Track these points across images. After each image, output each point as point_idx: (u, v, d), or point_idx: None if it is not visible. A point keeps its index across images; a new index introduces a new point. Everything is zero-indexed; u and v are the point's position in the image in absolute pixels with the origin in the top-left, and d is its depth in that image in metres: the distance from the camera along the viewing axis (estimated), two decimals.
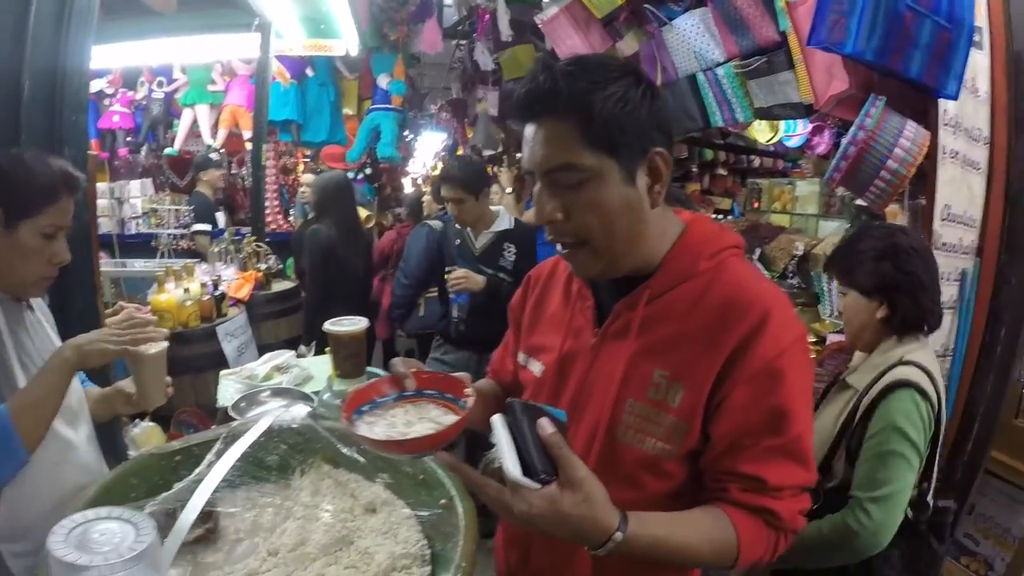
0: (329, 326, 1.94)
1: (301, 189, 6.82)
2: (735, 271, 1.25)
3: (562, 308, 1.44)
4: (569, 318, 1.39)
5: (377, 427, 1.20)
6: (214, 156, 6.75)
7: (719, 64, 3.13)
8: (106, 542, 0.80)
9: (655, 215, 1.23)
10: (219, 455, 1.36)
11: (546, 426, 1.00)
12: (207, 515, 1.48)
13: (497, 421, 1.03)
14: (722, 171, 9.22)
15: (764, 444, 1.15)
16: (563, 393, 1.36)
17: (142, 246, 6.63)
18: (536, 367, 1.46)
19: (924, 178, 2.40)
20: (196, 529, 1.43)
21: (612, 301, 1.30)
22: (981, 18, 2.44)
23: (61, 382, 1.60)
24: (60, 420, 1.73)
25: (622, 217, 1.18)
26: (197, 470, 1.37)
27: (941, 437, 1.93)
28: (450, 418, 1.20)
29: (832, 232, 4.57)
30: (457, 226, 3.79)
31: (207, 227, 6.07)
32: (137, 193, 7.43)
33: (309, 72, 7.29)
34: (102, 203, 6.84)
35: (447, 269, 3.66)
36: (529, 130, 1.20)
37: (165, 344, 1.77)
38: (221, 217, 6.15)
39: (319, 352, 3.32)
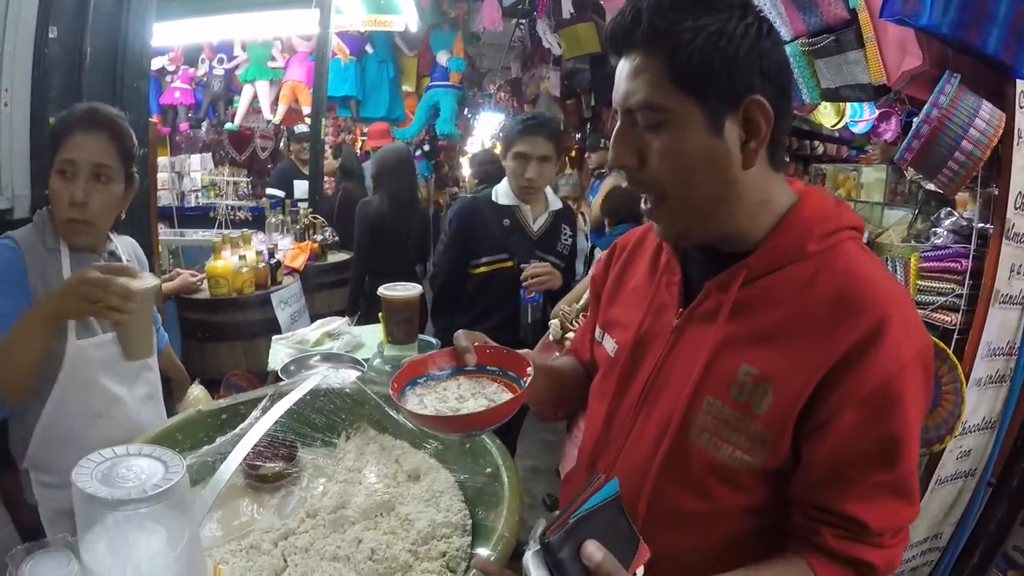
0: (383, 291, 1.93)
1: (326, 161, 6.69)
2: (851, 258, 1.04)
3: (646, 281, 1.27)
4: (653, 293, 1.23)
5: (427, 400, 1.16)
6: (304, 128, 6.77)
7: (786, 42, 3.03)
8: (133, 478, 0.77)
9: (753, 178, 1.06)
10: (264, 412, 1.35)
11: (593, 554, 0.85)
12: (290, 456, 1.51)
13: (532, 564, 0.86)
14: (784, 157, 9.01)
15: (871, 480, 0.99)
16: (635, 378, 1.20)
17: (201, 218, 6.76)
18: (610, 345, 1.30)
19: (997, 164, 2.29)
20: (277, 465, 1.47)
21: (703, 279, 1.13)
22: None
23: (33, 332, 1.55)
24: (108, 374, 1.78)
25: (701, 171, 1.02)
26: (241, 426, 1.36)
27: None
28: (506, 396, 1.14)
29: (898, 220, 4.41)
30: (503, 201, 2.96)
31: (280, 193, 6.14)
32: (197, 167, 7.61)
33: (368, 49, 7.31)
34: (163, 176, 7.00)
35: (491, 259, 2.93)
36: (619, 66, 1.07)
37: (151, 283, 1.63)
38: (300, 185, 6.15)
39: (362, 323, 3.31)
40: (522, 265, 2.83)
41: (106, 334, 1.79)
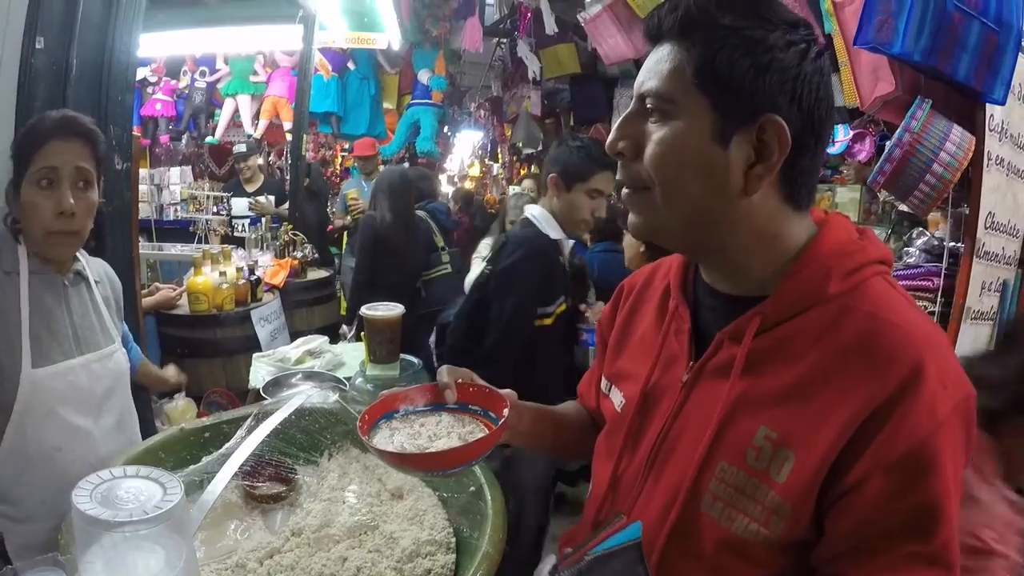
0: (365, 311, 1.95)
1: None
2: (879, 300, 0.92)
3: (654, 329, 1.17)
4: (661, 343, 1.12)
5: (397, 436, 1.11)
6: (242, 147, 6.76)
7: None
8: (132, 499, 0.78)
9: (756, 209, 0.95)
10: (250, 431, 1.35)
11: None
12: (288, 480, 1.50)
13: None
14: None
15: (903, 551, 0.85)
16: (643, 437, 1.10)
17: (179, 232, 6.73)
18: (617, 398, 1.20)
19: (968, 185, 2.35)
20: (275, 489, 1.48)
21: (715, 327, 1.03)
22: None
23: None
24: (68, 405, 1.69)
25: (692, 176, 0.94)
26: (227, 445, 1.36)
27: None
28: (479, 435, 1.09)
29: None
30: (553, 235, 2.62)
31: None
32: (176, 180, 7.58)
33: (351, 65, 7.34)
34: (142, 189, 6.95)
35: (556, 305, 2.60)
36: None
37: None
38: (238, 203, 6.17)
39: (359, 335, 3.33)
40: (581, 306, 2.64)
41: (67, 360, 1.70)
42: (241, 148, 6.26)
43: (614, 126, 1.02)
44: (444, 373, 1.21)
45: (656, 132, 0.95)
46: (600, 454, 1.21)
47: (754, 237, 0.97)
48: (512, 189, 8.78)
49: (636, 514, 1.04)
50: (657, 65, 0.96)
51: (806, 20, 0.95)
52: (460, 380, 1.21)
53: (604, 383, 1.28)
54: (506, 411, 1.12)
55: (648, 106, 0.97)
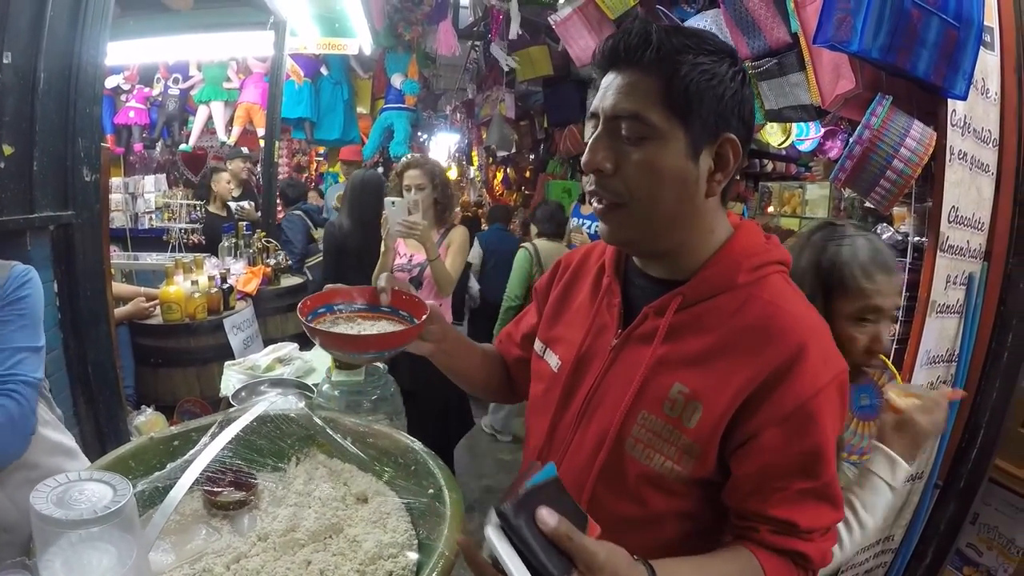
0: None
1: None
2: (776, 291, 1.15)
3: (588, 302, 1.36)
4: (594, 313, 1.32)
5: (336, 327, 1.30)
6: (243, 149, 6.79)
7: None
8: (84, 500, 0.84)
9: (708, 207, 1.16)
10: (212, 438, 1.37)
11: (547, 519, 0.87)
12: (248, 486, 1.51)
13: (492, 534, 0.89)
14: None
15: (796, 487, 1.09)
16: (576, 393, 1.29)
17: (154, 241, 6.72)
18: (553, 360, 1.38)
19: (931, 180, 2.38)
20: (235, 496, 1.47)
21: (641, 303, 1.23)
22: (991, 18, 2.41)
23: None
24: None
25: (671, 190, 1.11)
26: (191, 451, 1.38)
27: None
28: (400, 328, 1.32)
29: None
30: None
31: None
32: (151, 188, 7.55)
33: (323, 71, 7.35)
34: (116, 198, 6.95)
35: None
36: (608, 78, 1.14)
37: None
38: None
39: None
40: None
41: None
42: (244, 150, 6.47)
43: (588, 144, 1.15)
44: (383, 279, 1.42)
45: (636, 153, 1.10)
46: (537, 410, 1.41)
47: (700, 233, 1.18)
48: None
49: (569, 458, 1.27)
50: (629, 92, 1.10)
51: (732, 47, 1.16)
52: (396, 288, 1.43)
53: (539, 345, 1.46)
54: (424, 316, 1.34)
55: (624, 130, 1.11)
